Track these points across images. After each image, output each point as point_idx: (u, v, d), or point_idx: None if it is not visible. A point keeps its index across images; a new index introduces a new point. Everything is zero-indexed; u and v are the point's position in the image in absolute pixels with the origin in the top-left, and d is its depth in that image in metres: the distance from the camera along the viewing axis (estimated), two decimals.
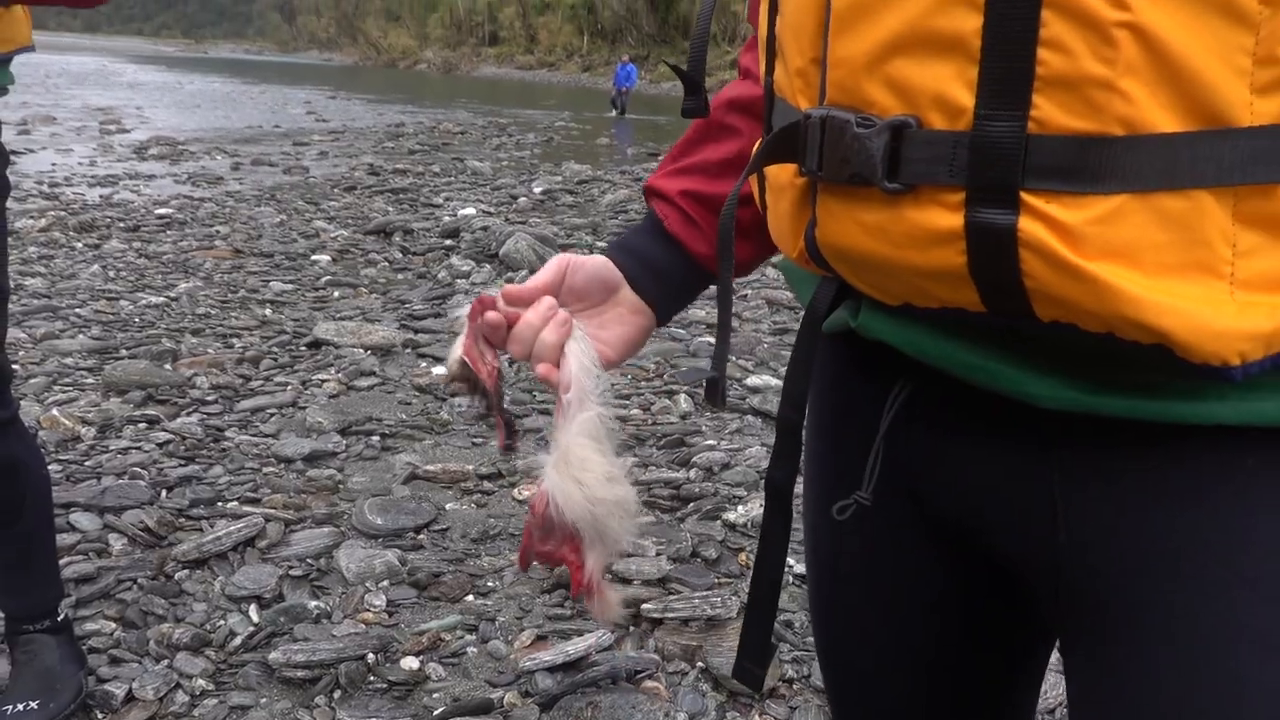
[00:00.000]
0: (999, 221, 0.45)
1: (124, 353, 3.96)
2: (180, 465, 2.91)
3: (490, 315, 0.72)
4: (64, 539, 2.34)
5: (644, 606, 2.15)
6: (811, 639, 1.56)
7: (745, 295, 5.23)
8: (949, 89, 0.46)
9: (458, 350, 0.74)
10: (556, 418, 0.68)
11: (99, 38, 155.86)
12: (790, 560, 2.30)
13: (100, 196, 7.91)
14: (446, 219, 7.10)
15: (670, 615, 2.13)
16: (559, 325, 0.70)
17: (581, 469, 0.66)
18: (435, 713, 1.85)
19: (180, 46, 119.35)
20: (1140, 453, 0.52)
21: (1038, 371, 0.51)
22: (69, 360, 3.82)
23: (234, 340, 4.23)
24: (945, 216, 0.47)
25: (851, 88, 0.50)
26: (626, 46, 48.46)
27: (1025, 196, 0.45)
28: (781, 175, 0.58)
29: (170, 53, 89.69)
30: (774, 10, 0.59)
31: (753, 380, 3.79)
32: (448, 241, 6.39)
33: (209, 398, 3.50)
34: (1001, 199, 0.45)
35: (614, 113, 22.91)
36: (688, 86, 0.68)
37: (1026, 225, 0.45)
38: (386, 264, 5.91)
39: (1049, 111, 0.44)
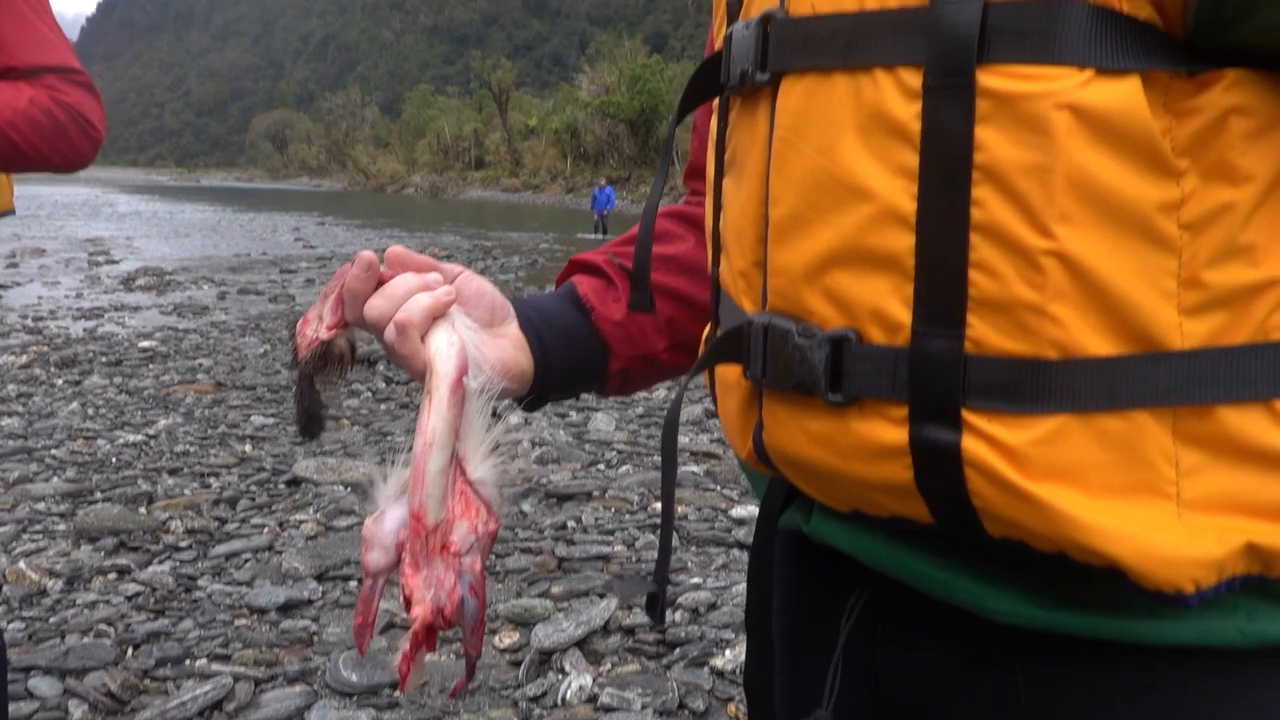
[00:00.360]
0: (943, 440, 0.45)
1: (98, 495, 3.89)
2: (149, 619, 2.82)
3: (358, 270, 0.61)
4: (21, 708, 2.25)
5: None
6: None
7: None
8: (886, 304, 0.47)
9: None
10: (425, 407, 0.57)
11: (94, 169, 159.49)
12: None
13: (84, 330, 7.93)
14: None
15: None
16: (441, 294, 0.61)
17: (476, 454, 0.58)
18: None
19: (173, 176, 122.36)
20: (1105, 670, 0.51)
21: (996, 585, 0.51)
22: (41, 505, 3.74)
23: (211, 480, 4.17)
24: (890, 431, 0.47)
25: (792, 296, 0.51)
26: (608, 168, 49.97)
27: (968, 415, 0.45)
28: (729, 374, 0.58)
29: (163, 182, 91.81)
30: (718, 206, 0.60)
31: (738, 511, 3.74)
32: None
33: (183, 544, 3.42)
34: (944, 417, 0.45)
35: (596, 234, 23.31)
36: (633, 282, 0.69)
37: (970, 444, 0.45)
38: (370, 394, 5.89)
39: (984, 332, 0.44)
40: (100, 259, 13.99)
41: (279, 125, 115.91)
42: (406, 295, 0.60)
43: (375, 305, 0.60)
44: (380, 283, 0.61)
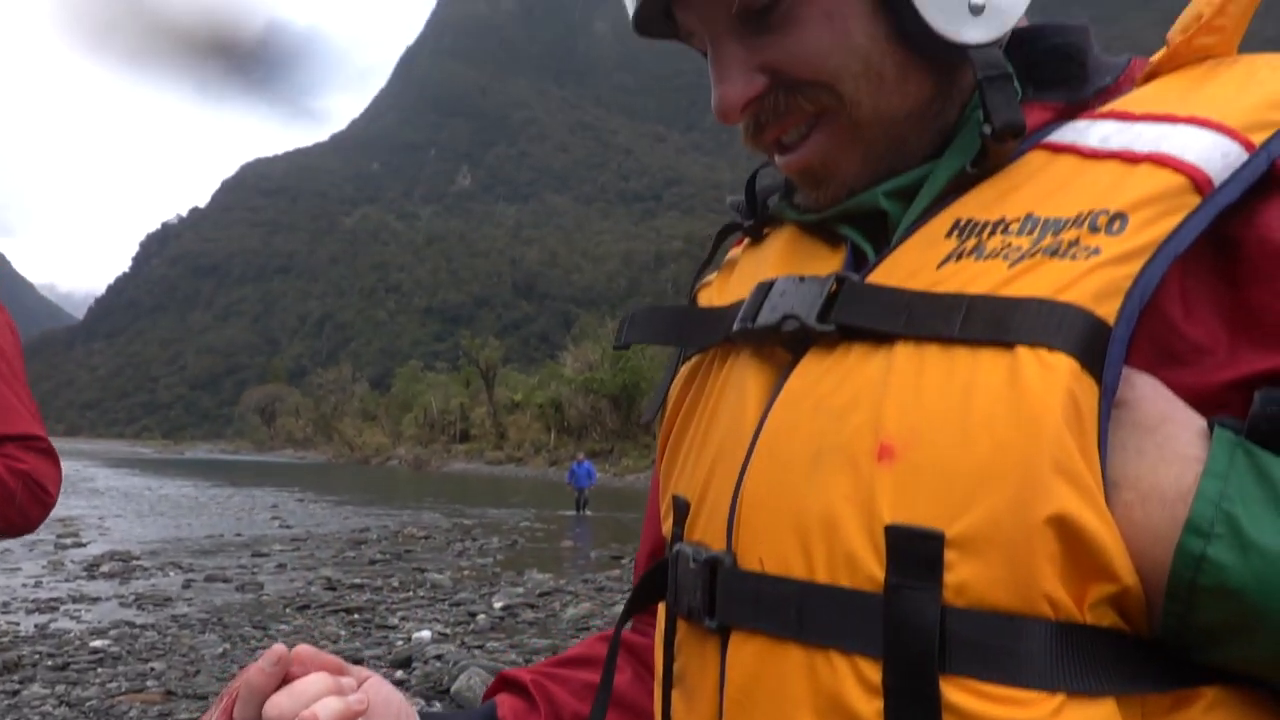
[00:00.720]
0: None
1: None
2: None
3: (264, 664, 0.57)
4: None
5: None
6: None
7: None
8: None
9: None
10: None
11: (79, 440, 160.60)
12: None
13: (35, 626, 7.54)
14: (400, 644, 6.79)
15: None
16: (354, 701, 0.58)
17: None
18: None
19: (158, 448, 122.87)
20: None
21: None
22: None
23: None
24: None
25: None
26: (591, 442, 50.66)
27: None
28: None
29: (147, 454, 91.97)
30: (667, 695, 0.63)
31: None
32: (399, 673, 6.05)
33: None
34: None
35: (577, 512, 22.73)
36: None
37: None
38: None
39: None
40: (68, 541, 13.63)
41: (269, 399, 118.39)
42: (316, 696, 0.57)
43: (279, 703, 0.56)
44: (286, 680, 0.58)
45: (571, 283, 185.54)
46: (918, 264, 0.56)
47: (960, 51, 0.57)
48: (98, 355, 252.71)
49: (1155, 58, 0.59)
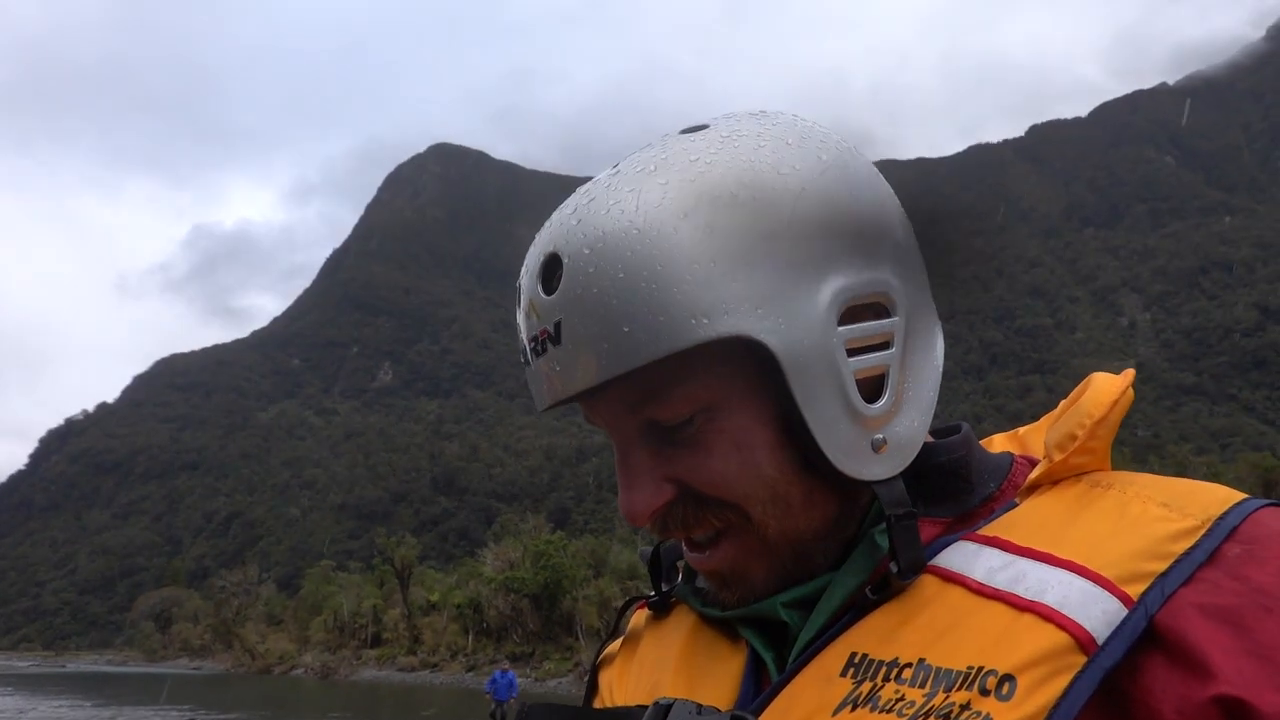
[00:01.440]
0: None
1: None
2: None
3: None
4: None
5: None
6: None
7: None
8: None
9: None
10: None
11: None
12: None
13: None
14: None
15: None
16: None
17: None
18: None
19: (36, 660, 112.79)
20: None
21: None
22: None
23: None
24: None
25: None
26: (511, 644, 48.51)
27: None
28: None
29: (23, 668, 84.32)
30: None
31: None
32: None
33: None
34: None
35: None
36: None
37: None
38: None
39: None
40: None
41: (165, 603, 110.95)
42: None
43: None
44: None
45: (493, 477, 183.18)
46: (813, 705, 0.57)
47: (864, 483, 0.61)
48: None
49: (1034, 474, 0.63)
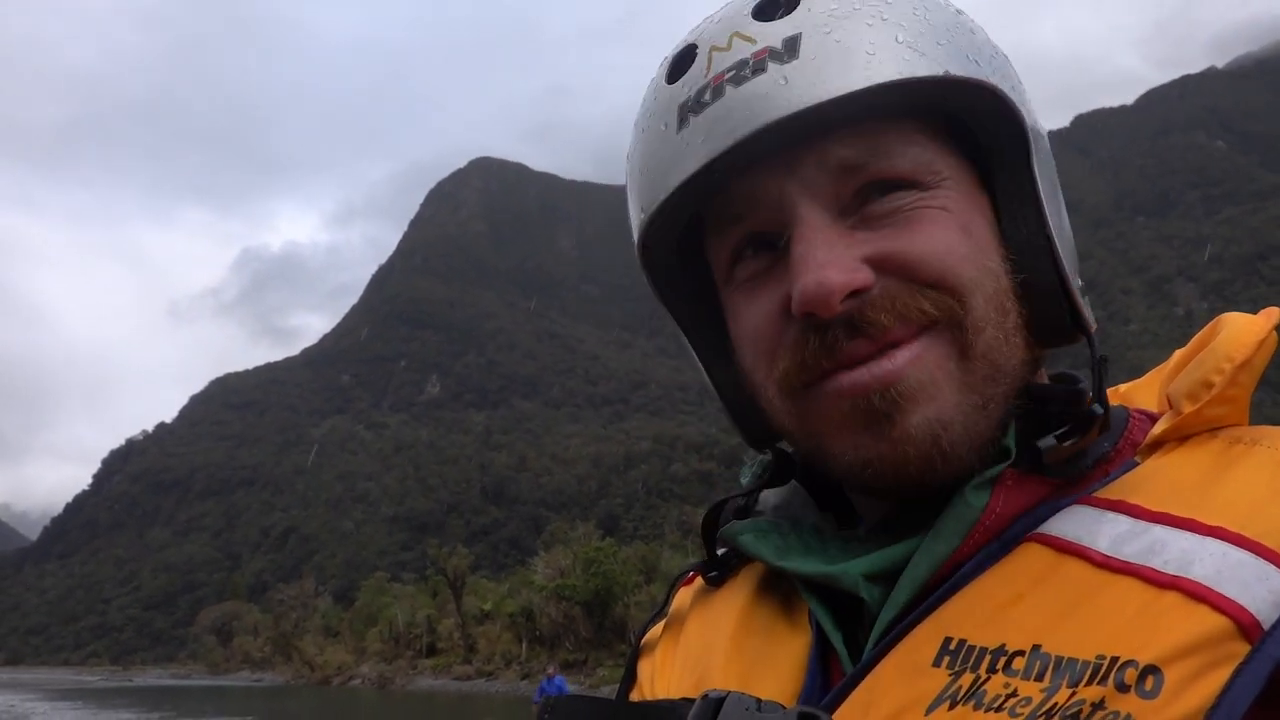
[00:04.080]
0: None
1: None
2: None
3: None
4: None
5: None
6: None
7: None
8: None
9: None
10: None
11: (20, 670, 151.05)
12: None
13: None
14: None
15: None
16: None
17: None
18: None
19: (105, 675, 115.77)
20: None
21: None
22: None
23: None
24: None
25: None
26: (565, 651, 48.69)
27: None
28: None
29: (93, 683, 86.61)
30: None
31: None
32: None
33: None
34: None
35: None
36: None
37: None
38: None
39: None
40: None
41: (227, 618, 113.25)
42: None
43: None
44: None
45: (541, 486, 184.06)
46: (901, 702, 0.48)
47: (1057, 340, 0.55)
48: (49, 577, 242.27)
49: (1159, 427, 0.55)
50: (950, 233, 0.53)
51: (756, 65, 0.52)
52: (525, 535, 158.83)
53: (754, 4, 0.54)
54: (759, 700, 0.49)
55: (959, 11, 0.56)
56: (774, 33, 0.52)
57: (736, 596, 0.63)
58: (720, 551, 0.66)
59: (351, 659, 72.02)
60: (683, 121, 0.54)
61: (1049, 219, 0.53)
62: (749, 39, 0.53)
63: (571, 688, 23.24)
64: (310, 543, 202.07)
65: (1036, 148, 0.54)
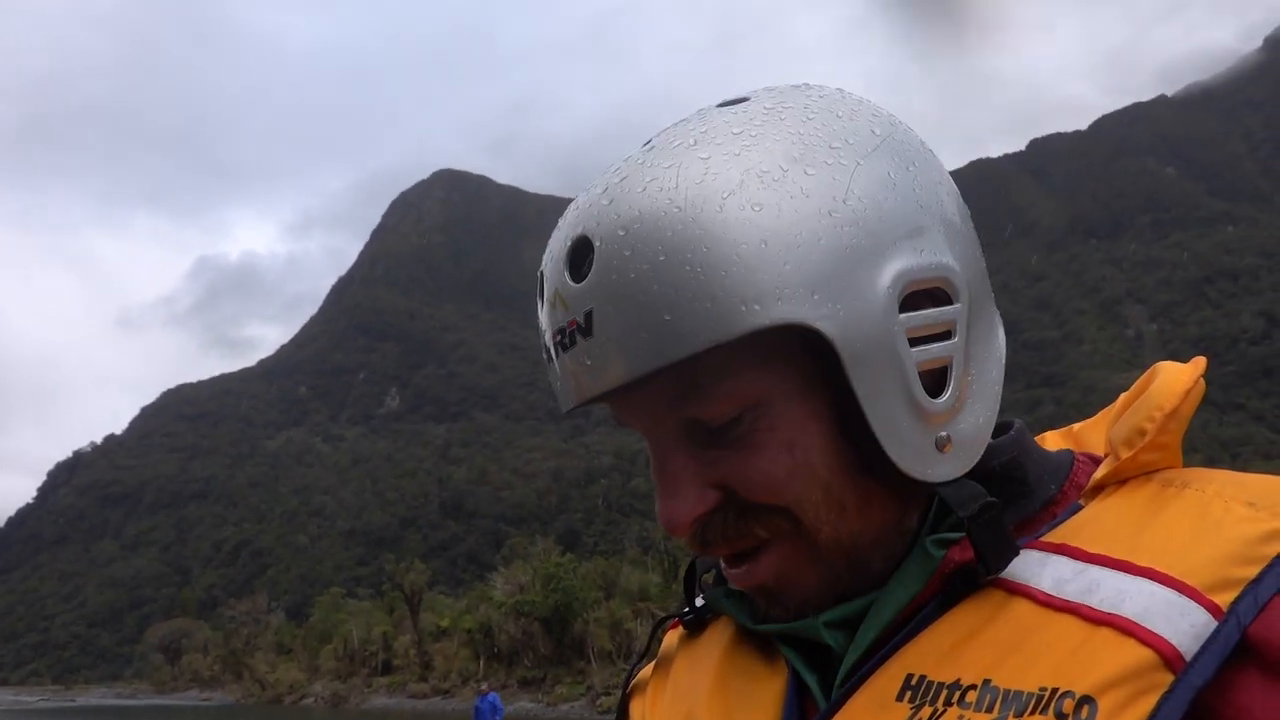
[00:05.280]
0: None
1: None
2: None
3: None
4: None
5: None
6: None
7: None
8: None
9: None
10: None
11: None
12: None
13: None
14: None
15: None
16: None
17: None
18: None
19: (46, 695, 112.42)
20: None
21: None
22: None
23: None
24: None
25: None
26: (523, 668, 48.25)
27: None
28: None
29: (31, 703, 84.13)
30: None
31: None
32: None
33: None
34: None
35: None
36: None
37: None
38: None
39: None
40: None
41: (175, 635, 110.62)
42: None
43: None
44: None
45: (501, 500, 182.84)
46: None
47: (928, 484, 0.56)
48: None
49: (1100, 472, 0.59)
50: (774, 457, 0.56)
51: (570, 337, 0.56)
52: (484, 550, 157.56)
53: (568, 254, 0.56)
54: None
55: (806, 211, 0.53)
56: (578, 303, 0.55)
57: (719, 639, 0.67)
58: (699, 603, 0.72)
59: (304, 677, 70.71)
60: (549, 360, 0.60)
61: (873, 425, 0.54)
62: (565, 304, 0.56)
63: (530, 706, 22.93)
64: (264, 557, 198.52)
65: (854, 360, 0.54)
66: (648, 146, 0.57)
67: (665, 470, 0.59)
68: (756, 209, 0.52)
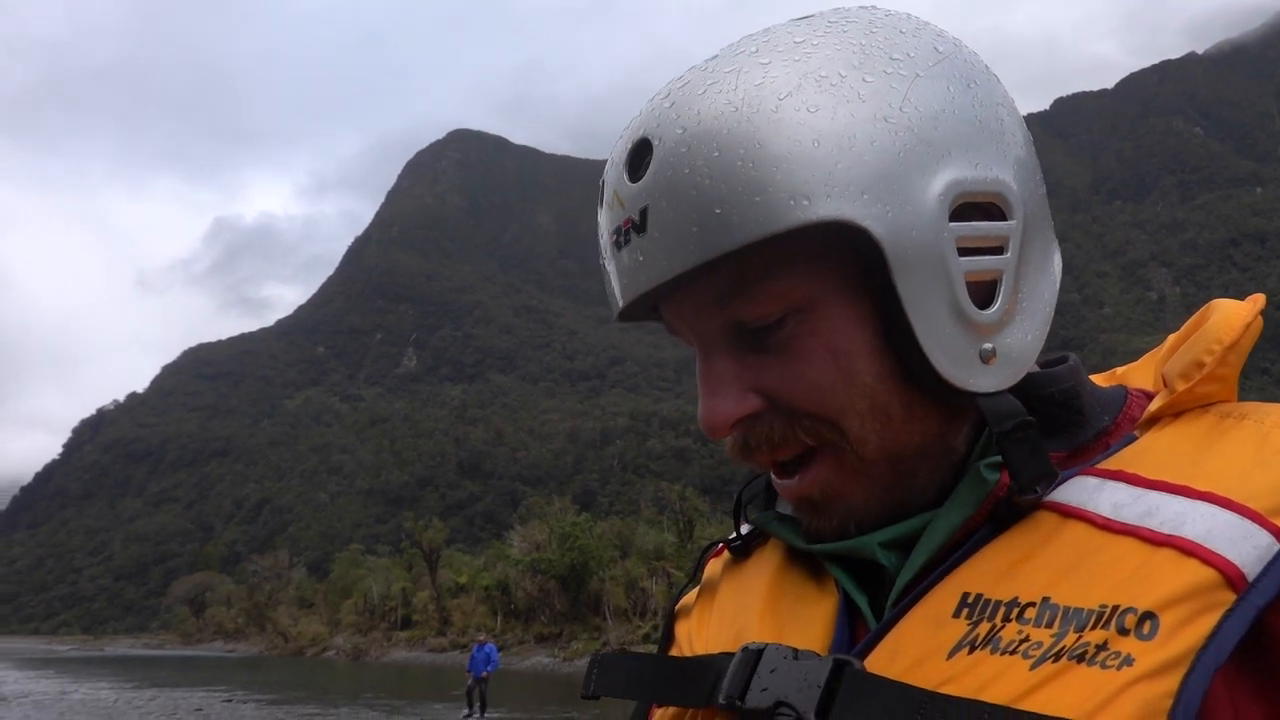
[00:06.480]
0: None
1: None
2: None
3: None
4: None
5: None
6: None
7: None
8: None
9: None
10: None
11: None
12: None
13: None
14: None
15: None
16: None
17: None
18: None
19: (76, 644, 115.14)
20: None
21: None
22: None
23: None
24: None
25: None
26: (540, 625, 48.93)
27: None
28: None
29: (63, 652, 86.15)
30: None
31: None
32: None
33: None
34: None
35: (468, 710, 18.86)
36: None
37: None
38: None
39: None
40: None
41: (199, 588, 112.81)
42: None
43: None
44: None
45: (517, 461, 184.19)
46: (924, 649, 0.53)
47: (969, 396, 0.56)
48: (18, 547, 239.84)
49: (1155, 405, 0.59)
50: (817, 363, 0.56)
51: (625, 235, 0.57)
52: (501, 509, 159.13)
53: (628, 156, 0.58)
54: (796, 650, 0.56)
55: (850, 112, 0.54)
56: (634, 201, 0.57)
57: (766, 565, 0.67)
58: (745, 529, 0.72)
59: (326, 631, 72.02)
60: (605, 263, 0.61)
61: (916, 329, 0.54)
62: (622, 203, 0.58)
63: (546, 660, 23.35)
64: (284, 515, 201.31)
65: (901, 263, 0.54)
66: (712, 57, 0.58)
67: (709, 372, 0.59)
68: (812, 110, 0.53)
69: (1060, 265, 0.64)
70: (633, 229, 0.56)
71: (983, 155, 0.56)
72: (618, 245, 0.58)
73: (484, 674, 18.83)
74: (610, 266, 0.60)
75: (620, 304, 0.59)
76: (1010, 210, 0.57)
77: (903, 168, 0.54)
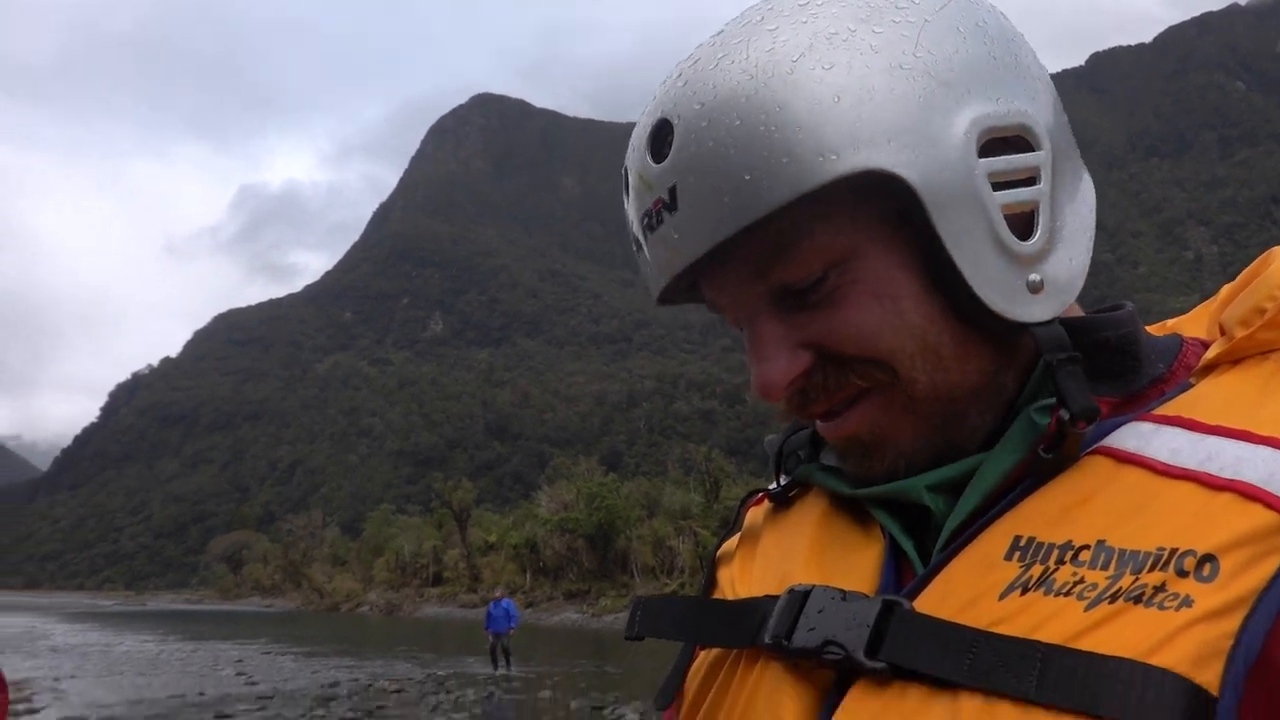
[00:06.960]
0: None
1: None
2: None
3: None
4: None
5: None
6: None
7: None
8: None
9: None
10: None
11: (39, 594, 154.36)
12: None
13: None
14: None
15: None
16: None
17: None
18: None
19: (119, 600, 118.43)
20: None
21: None
22: None
23: None
24: None
25: None
26: (568, 582, 49.65)
27: None
28: None
29: (107, 606, 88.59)
30: None
31: None
32: None
33: None
34: None
35: (494, 670, 18.18)
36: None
37: None
38: None
39: None
40: (20, 707, 13.11)
41: (236, 546, 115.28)
42: None
43: None
44: None
45: (545, 423, 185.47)
46: (976, 590, 0.52)
47: (1021, 327, 0.56)
48: (60, 507, 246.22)
49: (1213, 351, 0.59)
50: (865, 309, 0.56)
51: (657, 216, 0.58)
52: (529, 470, 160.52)
53: (648, 139, 0.58)
54: (844, 591, 0.56)
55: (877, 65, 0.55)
56: (661, 182, 0.57)
57: (810, 512, 0.67)
58: (785, 480, 0.71)
59: (360, 587, 73.46)
60: (638, 249, 0.62)
61: (962, 267, 0.55)
62: (649, 186, 0.58)
63: (575, 616, 23.75)
64: (316, 475, 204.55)
65: (937, 205, 0.54)
66: (718, 31, 0.58)
67: (756, 338, 0.59)
68: (827, 68, 0.54)
69: (1092, 188, 0.64)
70: (664, 208, 0.57)
71: (1003, 90, 0.57)
72: (650, 228, 0.58)
73: (508, 630, 18.26)
74: (645, 252, 0.60)
75: (663, 283, 0.59)
76: (1037, 141, 0.57)
77: (925, 111, 0.54)
